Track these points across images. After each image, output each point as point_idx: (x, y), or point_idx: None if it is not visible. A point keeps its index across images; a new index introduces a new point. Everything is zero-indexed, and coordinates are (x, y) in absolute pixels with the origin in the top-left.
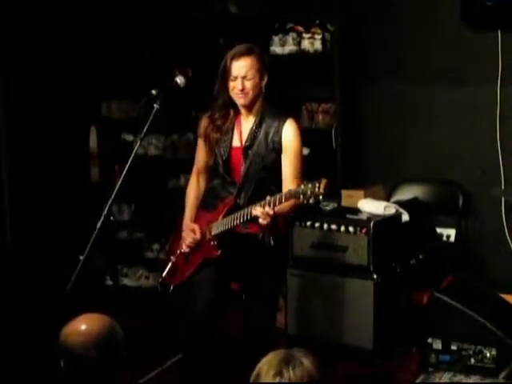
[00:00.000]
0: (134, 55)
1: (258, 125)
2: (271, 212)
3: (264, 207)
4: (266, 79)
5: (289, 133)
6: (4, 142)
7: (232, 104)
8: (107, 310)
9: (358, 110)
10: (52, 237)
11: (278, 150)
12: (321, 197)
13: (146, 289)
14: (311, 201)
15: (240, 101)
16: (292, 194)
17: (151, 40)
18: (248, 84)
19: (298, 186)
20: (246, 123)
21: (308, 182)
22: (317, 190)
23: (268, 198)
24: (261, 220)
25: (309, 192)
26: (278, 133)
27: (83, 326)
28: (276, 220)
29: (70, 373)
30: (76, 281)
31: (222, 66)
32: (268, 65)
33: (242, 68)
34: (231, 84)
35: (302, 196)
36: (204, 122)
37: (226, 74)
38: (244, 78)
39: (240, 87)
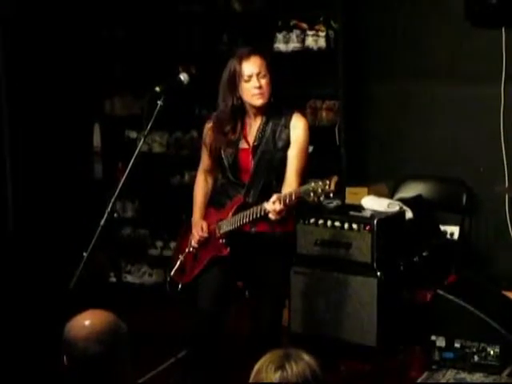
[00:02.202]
0: (137, 52)
1: (265, 124)
2: (281, 208)
3: (275, 204)
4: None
5: (297, 127)
6: (8, 140)
7: (239, 110)
8: (110, 306)
9: (362, 107)
10: (56, 233)
11: (285, 147)
12: (331, 195)
13: (150, 286)
14: (322, 199)
15: (258, 102)
16: (302, 193)
17: (154, 37)
18: (263, 81)
19: (308, 183)
20: (253, 124)
21: (318, 180)
22: (327, 187)
23: (276, 195)
24: (271, 215)
25: (319, 190)
26: (286, 129)
27: (87, 320)
28: (287, 215)
29: (73, 368)
30: (79, 277)
31: (231, 72)
32: (271, 62)
33: (254, 66)
34: (245, 86)
35: (312, 194)
36: (208, 130)
37: (236, 78)
38: (258, 75)
39: (258, 84)
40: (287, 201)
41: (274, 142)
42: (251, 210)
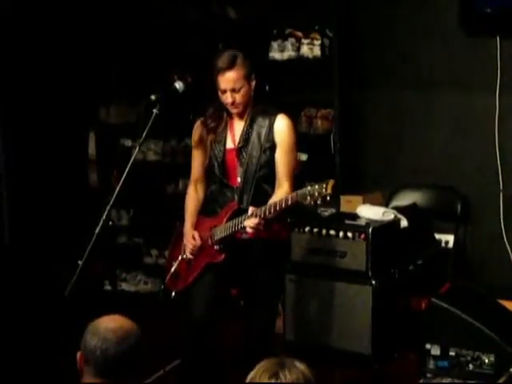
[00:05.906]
0: (132, 60)
1: (250, 125)
2: (258, 222)
3: (250, 219)
4: (253, 81)
5: (281, 127)
6: (2, 148)
7: (225, 108)
8: (106, 315)
9: (357, 116)
10: (51, 242)
11: (271, 148)
12: (328, 197)
13: (145, 294)
14: (319, 202)
15: (233, 111)
16: (299, 197)
17: (150, 45)
18: (238, 96)
19: (305, 186)
20: (238, 124)
21: (315, 184)
22: (324, 190)
23: (252, 208)
24: (248, 229)
25: (316, 194)
26: (271, 130)
27: (115, 324)
28: (268, 225)
29: (94, 369)
30: (75, 285)
31: (212, 73)
32: (266, 70)
33: (228, 82)
34: (221, 96)
35: (309, 198)
36: (197, 127)
37: (216, 84)
38: (233, 90)
39: (230, 100)
40: (267, 213)
41: (260, 145)
42: (238, 219)
